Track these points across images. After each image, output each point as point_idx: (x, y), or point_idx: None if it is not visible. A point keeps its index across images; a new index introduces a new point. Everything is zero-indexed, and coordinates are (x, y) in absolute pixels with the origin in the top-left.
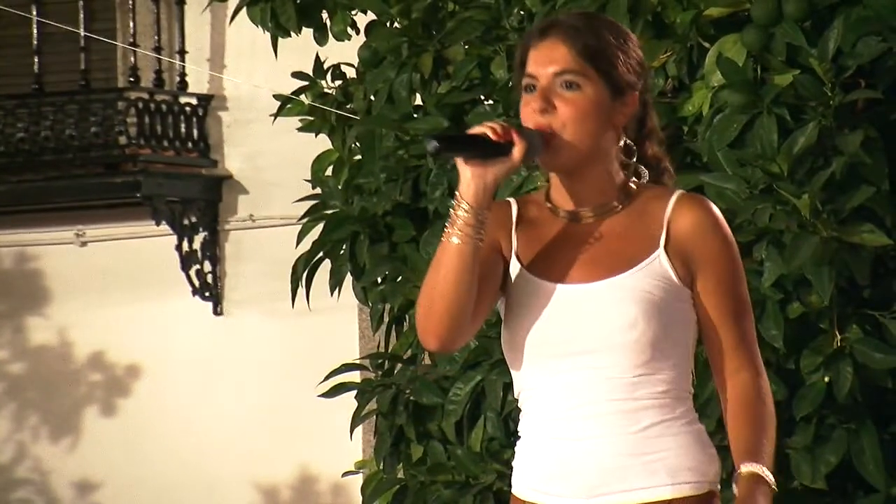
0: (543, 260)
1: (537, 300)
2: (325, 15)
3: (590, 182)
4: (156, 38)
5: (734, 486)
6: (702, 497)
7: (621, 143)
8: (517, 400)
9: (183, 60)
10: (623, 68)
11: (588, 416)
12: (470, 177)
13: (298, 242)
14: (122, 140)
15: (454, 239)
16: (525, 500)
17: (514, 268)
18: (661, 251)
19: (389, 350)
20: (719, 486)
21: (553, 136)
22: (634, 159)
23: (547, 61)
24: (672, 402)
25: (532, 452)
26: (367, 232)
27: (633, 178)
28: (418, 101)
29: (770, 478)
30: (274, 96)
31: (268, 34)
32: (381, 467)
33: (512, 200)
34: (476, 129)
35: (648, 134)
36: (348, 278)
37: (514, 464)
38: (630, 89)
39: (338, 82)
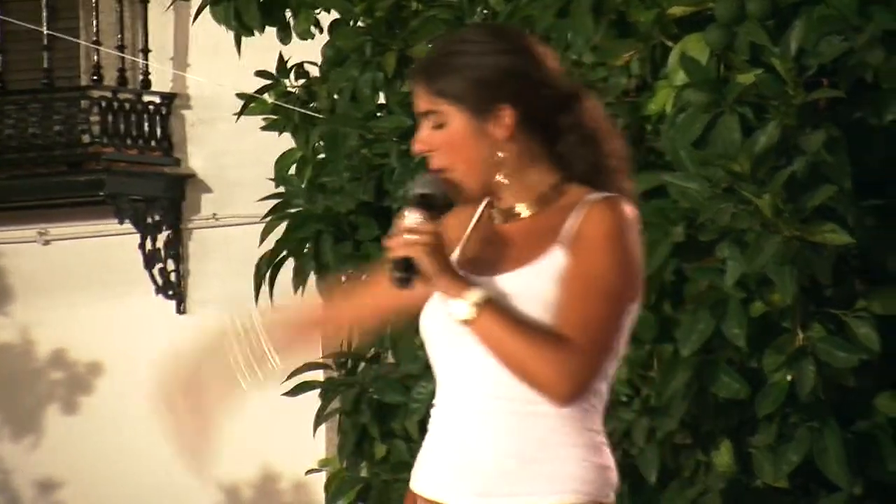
0: (458, 258)
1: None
2: (288, 14)
3: (506, 193)
4: (119, 36)
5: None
6: None
7: (501, 154)
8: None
9: (146, 59)
10: (480, 87)
11: (473, 415)
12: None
13: (262, 241)
14: (86, 139)
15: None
16: (419, 494)
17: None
18: (557, 249)
19: (353, 349)
20: (612, 500)
21: (445, 175)
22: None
23: (416, 104)
24: (565, 415)
25: (431, 446)
26: (331, 230)
27: (569, 180)
28: (382, 99)
29: (474, 299)
30: (237, 95)
31: (231, 33)
32: (345, 465)
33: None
34: (399, 253)
35: (559, 132)
36: (312, 277)
37: (418, 456)
38: (493, 103)
39: (301, 81)
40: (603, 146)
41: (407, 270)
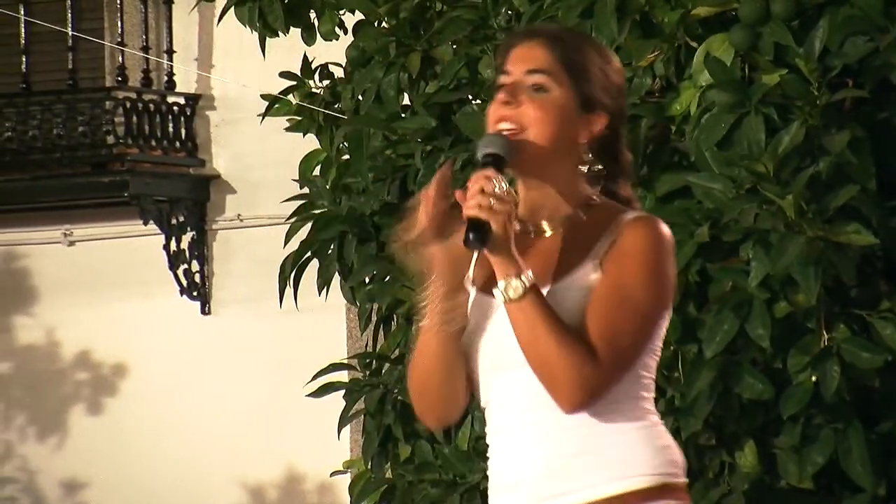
0: (490, 276)
1: (478, 314)
2: (312, 15)
3: (547, 193)
4: (143, 37)
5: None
6: (654, 490)
7: (584, 158)
8: None
9: (171, 60)
10: (597, 86)
11: (526, 426)
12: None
13: (286, 242)
14: (110, 139)
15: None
16: None
17: (472, 290)
18: (590, 264)
19: (377, 350)
20: (682, 479)
21: (515, 134)
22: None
23: (523, 60)
24: (615, 408)
25: (492, 473)
26: (355, 232)
27: (596, 194)
28: (406, 100)
29: (520, 283)
30: (262, 96)
31: (255, 34)
32: (369, 467)
33: None
34: (480, 214)
35: (622, 170)
36: (336, 278)
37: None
38: (600, 107)
39: (326, 82)
40: (629, 187)
41: (481, 233)
